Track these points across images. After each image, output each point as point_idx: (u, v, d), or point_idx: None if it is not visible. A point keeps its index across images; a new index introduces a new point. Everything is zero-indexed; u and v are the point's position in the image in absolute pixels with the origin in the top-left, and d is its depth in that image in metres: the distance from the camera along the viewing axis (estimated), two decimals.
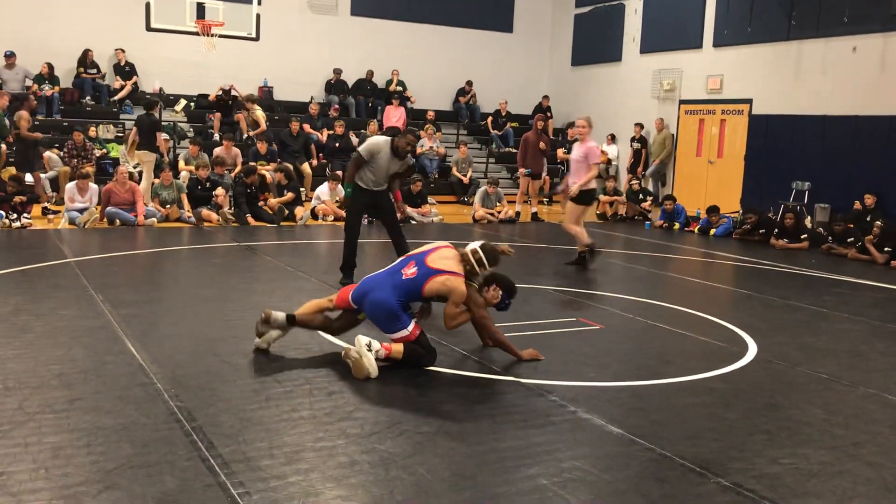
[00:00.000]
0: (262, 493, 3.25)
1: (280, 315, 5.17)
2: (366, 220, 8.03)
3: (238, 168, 13.35)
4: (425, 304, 5.63)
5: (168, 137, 14.49)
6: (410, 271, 5.07)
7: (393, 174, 7.66)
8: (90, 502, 3.13)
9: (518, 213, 13.98)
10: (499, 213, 13.74)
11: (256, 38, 14.89)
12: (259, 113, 15.62)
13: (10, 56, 15.04)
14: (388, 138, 7.55)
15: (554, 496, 3.36)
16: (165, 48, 16.22)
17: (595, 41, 19.14)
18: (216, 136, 15.41)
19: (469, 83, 19.67)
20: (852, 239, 11.29)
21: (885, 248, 10.69)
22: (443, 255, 5.20)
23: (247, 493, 3.24)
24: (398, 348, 4.95)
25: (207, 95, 16.70)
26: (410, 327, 5.00)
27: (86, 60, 16.12)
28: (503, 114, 19.25)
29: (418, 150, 16.95)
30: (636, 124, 17.27)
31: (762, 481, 3.61)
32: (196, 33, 14.11)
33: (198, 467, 3.47)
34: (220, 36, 14.27)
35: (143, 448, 3.64)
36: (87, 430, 3.82)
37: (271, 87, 17.94)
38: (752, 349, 5.89)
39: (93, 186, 11.49)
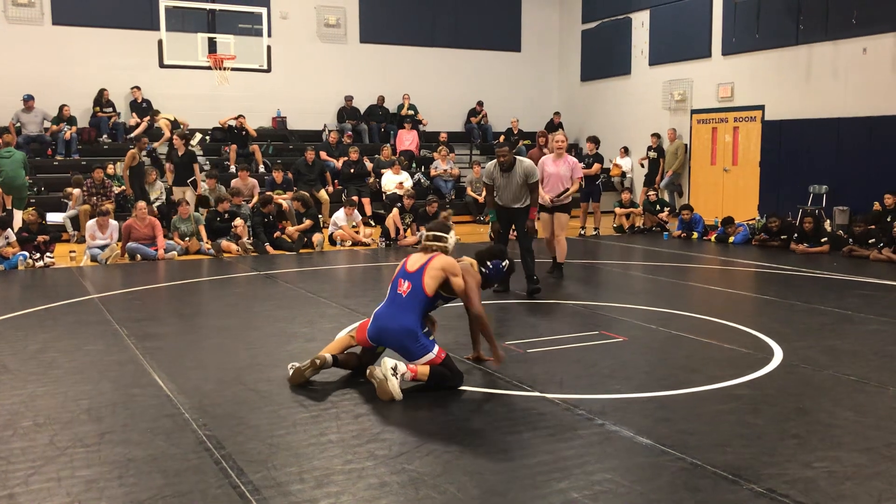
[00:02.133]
0: None
1: (328, 358, 5.12)
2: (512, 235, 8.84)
3: (255, 198, 13.47)
4: (431, 317, 5.66)
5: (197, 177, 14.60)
6: (404, 287, 5.08)
7: (523, 187, 8.25)
8: None
9: (535, 231, 13.94)
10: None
11: (268, 70, 15.11)
12: (163, 122, 15.81)
13: (28, 100, 15.30)
14: (494, 162, 8.41)
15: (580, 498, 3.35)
16: (180, 83, 16.44)
17: (603, 56, 19.21)
18: (232, 168, 15.56)
19: (480, 103, 19.77)
20: (873, 240, 11.19)
21: None
22: (414, 258, 5.28)
23: None
24: (424, 370, 4.92)
25: (222, 128, 16.87)
26: (435, 350, 4.97)
27: (101, 100, 16.36)
28: (515, 132, 19.31)
29: (433, 172, 17.03)
30: (653, 134, 17.25)
31: (796, 486, 3.57)
32: (209, 67, 14.32)
33: (229, 495, 3.48)
34: (233, 69, 14.47)
35: (175, 478, 3.66)
36: (119, 462, 3.85)
37: (285, 117, 18.12)
38: (778, 354, 5.84)
39: (113, 223, 11.62)
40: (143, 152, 13.78)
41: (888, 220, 11.65)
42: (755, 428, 4.33)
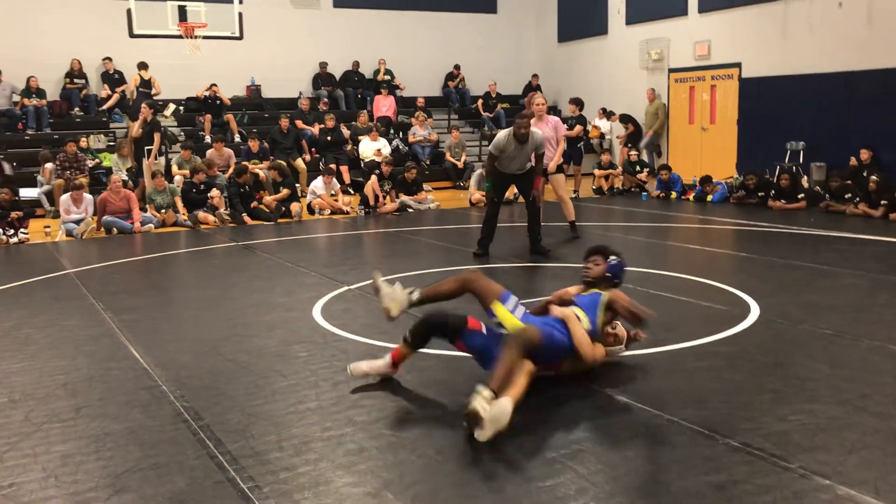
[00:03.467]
0: (273, 486, 3.25)
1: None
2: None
3: (231, 169, 13.34)
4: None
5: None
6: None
7: (529, 158, 8.25)
8: None
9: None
10: None
11: (240, 37, 14.85)
12: (134, 80, 15.46)
13: None
14: (509, 130, 8.13)
15: (563, 467, 3.37)
16: (151, 53, 16.15)
17: (580, 16, 19.06)
18: (208, 139, 15.38)
19: (457, 67, 19.60)
20: (849, 195, 11.26)
21: (882, 202, 10.67)
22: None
23: (257, 486, 3.25)
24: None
25: (195, 98, 16.64)
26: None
27: (72, 71, 16.07)
28: (493, 95, 19.19)
29: (410, 138, 16.92)
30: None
31: (770, 439, 3.61)
32: (180, 36, 14.07)
33: (207, 465, 3.47)
34: (204, 37, 14.22)
35: (152, 450, 3.65)
36: (95, 436, 3.83)
37: (259, 85, 17.88)
38: (755, 310, 5.88)
39: (87, 197, 11.48)
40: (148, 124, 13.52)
41: (864, 175, 11.71)
42: (732, 384, 4.36)
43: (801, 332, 5.36)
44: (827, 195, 11.70)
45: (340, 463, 3.47)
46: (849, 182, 11.64)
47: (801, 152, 13.82)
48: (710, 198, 13.06)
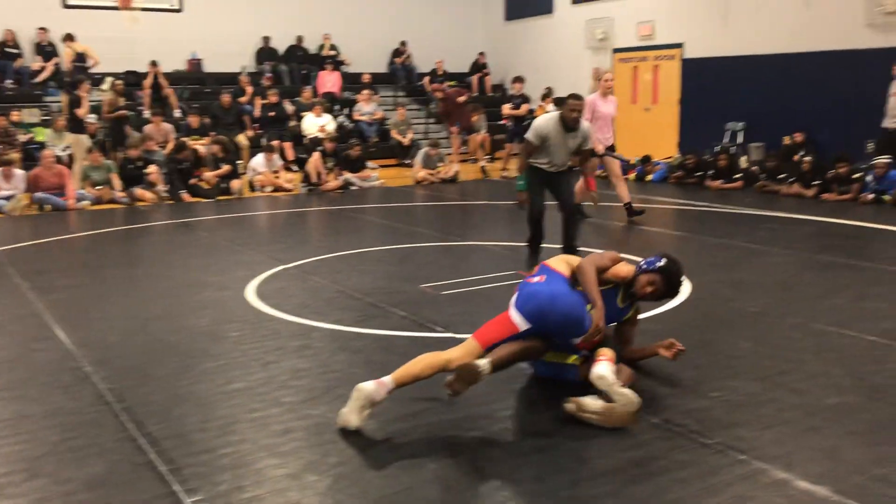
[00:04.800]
0: (192, 468, 3.21)
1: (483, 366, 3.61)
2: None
3: (170, 144, 13.05)
4: None
5: (95, 118, 14.05)
6: (537, 277, 4.02)
7: (574, 153, 6.85)
8: (15, 491, 3.07)
9: (458, 173, 13.96)
10: (439, 173, 13.70)
11: (179, 10, 14.53)
12: (67, 52, 15.06)
13: None
14: (555, 114, 6.71)
15: (485, 444, 3.39)
16: (87, 25, 15.63)
17: None
18: (146, 114, 15.01)
19: (403, 43, 19.43)
20: (784, 175, 11.52)
21: (815, 182, 10.94)
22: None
23: (176, 468, 3.21)
24: (609, 352, 3.84)
25: (135, 72, 16.21)
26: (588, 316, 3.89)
27: (6, 42, 15.50)
28: (440, 73, 19.08)
29: (356, 115, 16.76)
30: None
31: (691, 415, 3.69)
32: (116, 8, 13.67)
33: (126, 448, 3.41)
34: (142, 9, 13.87)
35: (71, 433, 3.57)
36: (12, 419, 3.74)
37: (200, 59, 17.49)
38: (686, 289, 5.98)
39: (19, 172, 11.13)
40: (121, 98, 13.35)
41: (801, 155, 11.98)
42: (657, 361, 4.42)
43: (728, 310, 5.48)
44: (763, 175, 11.94)
45: (264, 444, 3.45)
46: (783, 162, 11.89)
47: (741, 133, 14.07)
48: (650, 177, 13.23)
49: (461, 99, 14.02)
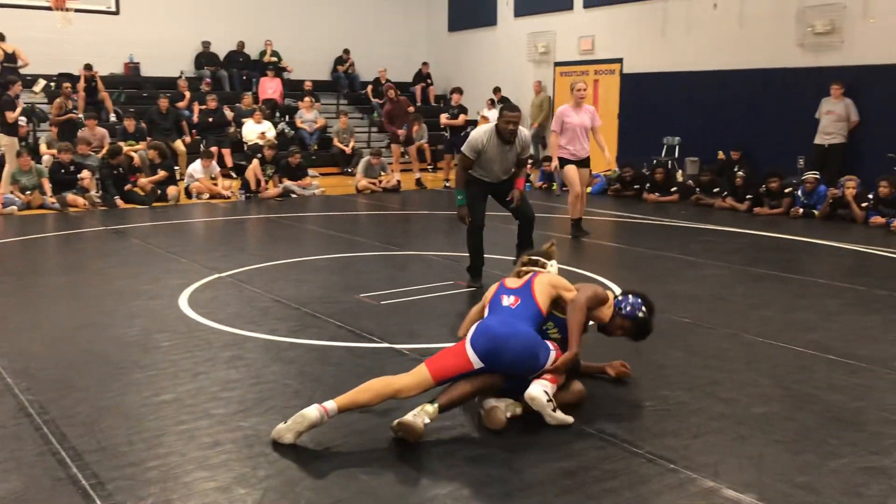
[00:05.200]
0: (117, 482, 3.12)
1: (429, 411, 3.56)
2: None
3: (105, 149, 12.74)
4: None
5: (26, 120, 13.64)
6: (511, 300, 3.96)
7: (516, 164, 6.58)
8: None
9: (399, 182, 13.96)
10: (381, 182, 13.67)
11: (116, 12, 14.22)
12: None
13: None
14: (491, 127, 6.36)
15: (417, 455, 3.37)
16: (17, 25, 15.18)
17: (470, 6, 19.17)
18: (80, 117, 14.62)
19: (346, 51, 19.37)
20: (718, 189, 11.80)
21: (748, 196, 11.23)
22: (512, 278, 4.24)
23: (100, 483, 3.11)
24: (553, 374, 3.85)
25: (69, 74, 15.78)
26: (552, 348, 3.90)
27: None
28: (383, 82, 19.04)
29: (298, 122, 16.61)
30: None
31: (623, 425, 3.72)
32: (49, 8, 13.31)
33: (47, 462, 3.29)
34: (76, 10, 13.53)
35: None
36: None
37: (137, 62, 17.15)
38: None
39: None
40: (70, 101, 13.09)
41: (734, 169, 12.28)
42: None
43: (662, 321, 5.52)
44: (698, 189, 12.21)
45: (193, 457, 3.36)
46: (718, 177, 12.19)
47: (677, 147, 14.37)
48: (588, 189, 13.38)
49: (411, 108, 14.06)
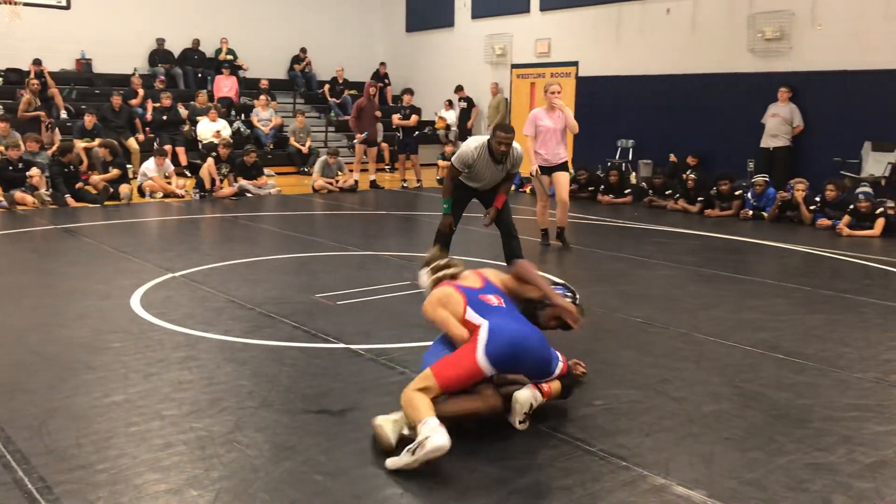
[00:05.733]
0: (65, 486, 3.06)
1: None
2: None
3: (55, 146, 12.47)
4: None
5: None
6: (496, 300, 3.87)
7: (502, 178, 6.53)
8: None
9: (356, 182, 13.91)
10: (338, 182, 13.60)
11: (67, 7, 13.95)
12: None
13: None
14: (483, 141, 6.32)
15: (366, 457, 3.36)
16: None
17: (428, 7, 19.18)
18: (50, 120, 14.30)
19: (303, 50, 19.25)
20: (670, 191, 11.99)
21: (699, 199, 11.44)
22: (467, 279, 4.11)
23: (46, 486, 3.05)
24: (556, 386, 3.83)
25: (17, 70, 15.44)
26: (560, 359, 3.84)
27: None
28: (340, 81, 18.98)
29: (254, 121, 16.46)
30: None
31: (576, 423, 3.77)
32: None
33: None
34: (25, 4, 13.23)
35: None
36: None
37: (90, 59, 16.83)
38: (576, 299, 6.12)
39: None
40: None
41: (688, 172, 12.47)
42: None
43: (615, 320, 5.64)
44: (650, 191, 12.39)
45: (144, 459, 3.32)
46: (670, 179, 12.38)
47: (631, 149, 14.57)
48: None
49: (378, 114, 14.00)
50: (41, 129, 13.38)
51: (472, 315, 3.74)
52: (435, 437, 3.14)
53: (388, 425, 3.44)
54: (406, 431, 3.47)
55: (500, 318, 3.70)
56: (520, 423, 3.66)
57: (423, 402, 3.38)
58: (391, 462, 3.24)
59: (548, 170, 8.56)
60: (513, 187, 13.70)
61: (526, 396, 3.64)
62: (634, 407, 4.00)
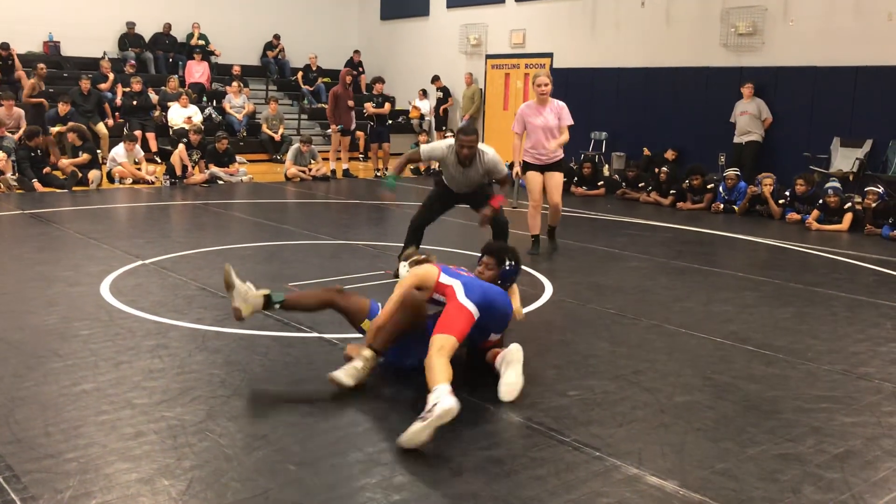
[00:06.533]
0: (33, 475, 3.01)
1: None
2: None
3: (22, 130, 12.24)
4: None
5: None
6: (464, 271, 4.42)
7: (482, 179, 6.28)
8: None
9: (333, 171, 13.85)
10: (311, 170, 13.51)
11: None
12: None
13: None
14: (451, 143, 6.09)
15: (347, 446, 3.35)
16: None
17: None
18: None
19: (277, 37, 19.06)
20: (643, 184, 12.06)
21: (671, 192, 11.52)
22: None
23: (14, 476, 3.00)
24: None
25: None
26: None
27: None
28: (314, 69, 18.83)
29: (226, 107, 16.27)
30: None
31: (550, 414, 3.78)
32: None
33: None
34: None
35: None
36: None
37: (58, 41, 16.53)
38: (549, 291, 6.15)
39: None
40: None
41: (663, 167, 12.56)
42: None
43: (588, 312, 5.67)
44: (623, 183, 12.46)
45: (114, 448, 3.27)
46: (643, 172, 12.46)
47: (604, 142, 14.63)
48: (518, 183, 13.51)
49: (350, 103, 13.87)
50: (44, 118, 13.27)
51: (444, 278, 4.22)
52: (443, 401, 3.37)
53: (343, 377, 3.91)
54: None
55: (469, 279, 4.23)
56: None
57: (440, 366, 3.63)
58: (405, 438, 3.32)
59: (539, 169, 7.77)
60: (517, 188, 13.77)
61: (517, 347, 4.10)
62: (608, 398, 4.02)
